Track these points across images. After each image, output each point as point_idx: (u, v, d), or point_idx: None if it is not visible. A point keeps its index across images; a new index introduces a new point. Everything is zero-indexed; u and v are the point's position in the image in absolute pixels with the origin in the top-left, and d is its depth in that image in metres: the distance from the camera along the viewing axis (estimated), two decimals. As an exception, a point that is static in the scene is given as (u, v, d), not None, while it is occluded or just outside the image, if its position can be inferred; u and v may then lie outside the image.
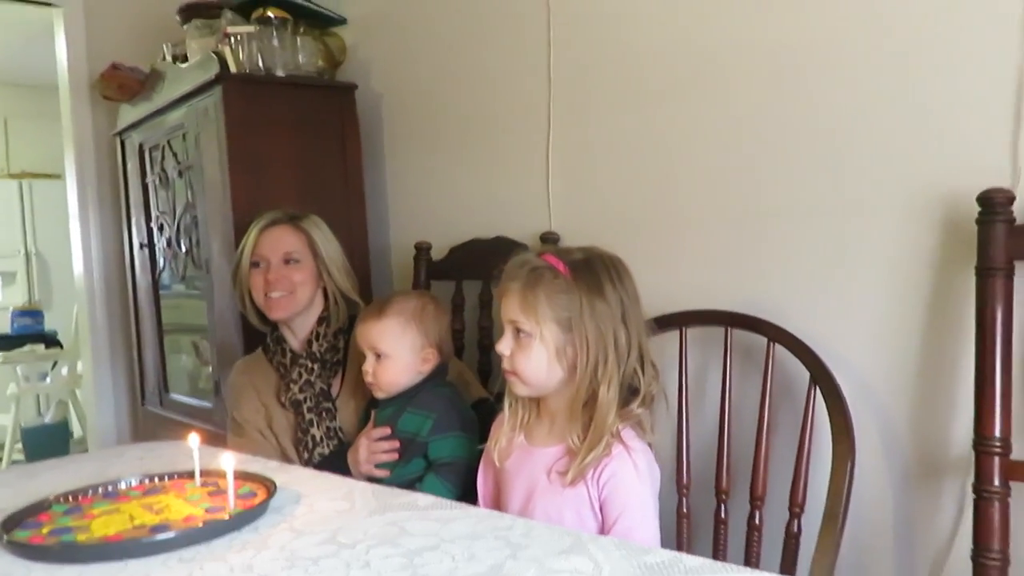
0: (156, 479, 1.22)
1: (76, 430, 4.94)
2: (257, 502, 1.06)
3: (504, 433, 1.32)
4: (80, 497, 1.15)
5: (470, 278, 2.06)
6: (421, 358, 1.56)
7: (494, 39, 2.07)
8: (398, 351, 1.54)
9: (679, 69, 1.66)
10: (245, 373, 1.85)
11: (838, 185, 1.44)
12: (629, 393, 1.23)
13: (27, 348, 4.81)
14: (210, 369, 2.30)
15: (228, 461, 1.09)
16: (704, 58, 1.62)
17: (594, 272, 1.22)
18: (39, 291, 5.58)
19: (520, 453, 1.30)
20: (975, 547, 1.18)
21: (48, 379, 4.94)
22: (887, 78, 1.37)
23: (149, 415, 2.80)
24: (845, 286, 1.45)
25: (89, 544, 0.95)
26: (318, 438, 1.72)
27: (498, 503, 1.34)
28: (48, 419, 4.97)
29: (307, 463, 1.68)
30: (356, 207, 2.31)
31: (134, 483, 1.21)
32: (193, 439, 1.22)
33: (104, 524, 1.02)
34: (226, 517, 1.01)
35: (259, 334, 1.90)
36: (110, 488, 1.19)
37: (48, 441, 4.75)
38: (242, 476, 1.13)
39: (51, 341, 5.01)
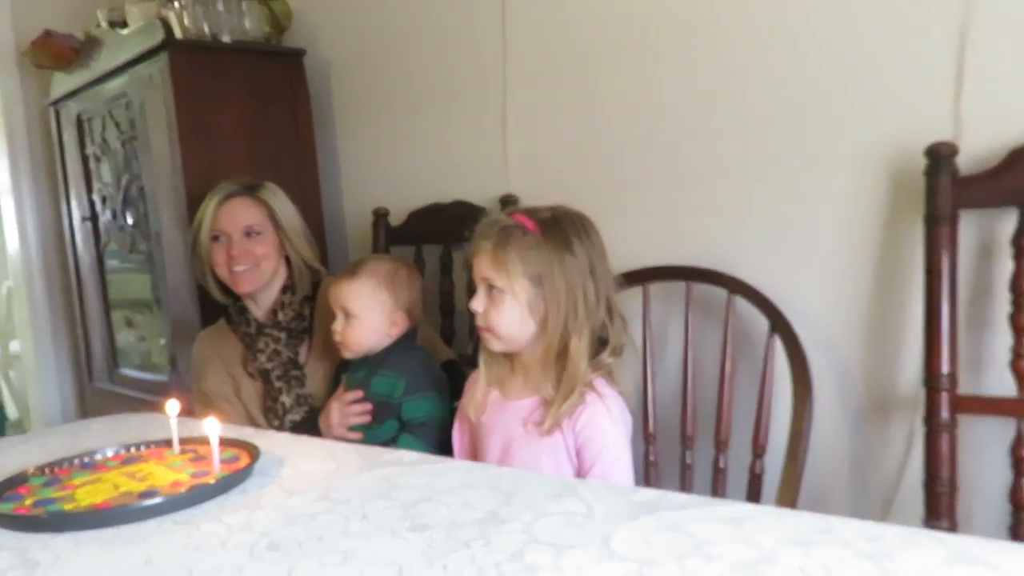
0: (133, 448, 1.21)
1: (11, 412, 4.77)
2: (242, 465, 1.06)
3: (479, 388, 1.34)
4: (57, 469, 1.14)
5: (430, 242, 2.05)
6: (390, 321, 1.55)
7: (444, 1, 2.04)
8: (367, 312, 1.53)
9: (633, 29, 1.67)
10: (209, 344, 1.82)
11: (791, 141, 1.47)
12: (599, 344, 1.26)
13: (-45, 330, 4.62)
14: (163, 342, 2.26)
15: (212, 426, 1.09)
16: (657, 19, 1.62)
17: (562, 228, 1.24)
18: (-38, 271, 5.32)
19: (495, 407, 1.31)
20: (927, 476, 1.25)
21: (-21, 361, 4.76)
22: (834, 36, 1.40)
23: (98, 392, 2.74)
24: (800, 238, 1.48)
25: (80, 512, 0.95)
26: (288, 405, 1.71)
27: (475, 458, 1.35)
28: (-20, 403, 4.79)
29: (278, 430, 1.65)
30: (309, 175, 2.27)
31: (110, 453, 1.19)
32: (172, 406, 1.20)
33: (89, 493, 1.02)
34: (212, 481, 1.01)
35: (217, 305, 1.87)
36: (86, 459, 1.17)
37: (-18, 425, 4.59)
38: (222, 442, 1.12)
39: (-20, 322, 4.82)
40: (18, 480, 1.08)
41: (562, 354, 1.23)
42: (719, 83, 1.55)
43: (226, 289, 1.79)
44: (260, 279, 1.73)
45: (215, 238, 1.73)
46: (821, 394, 1.40)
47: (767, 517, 0.79)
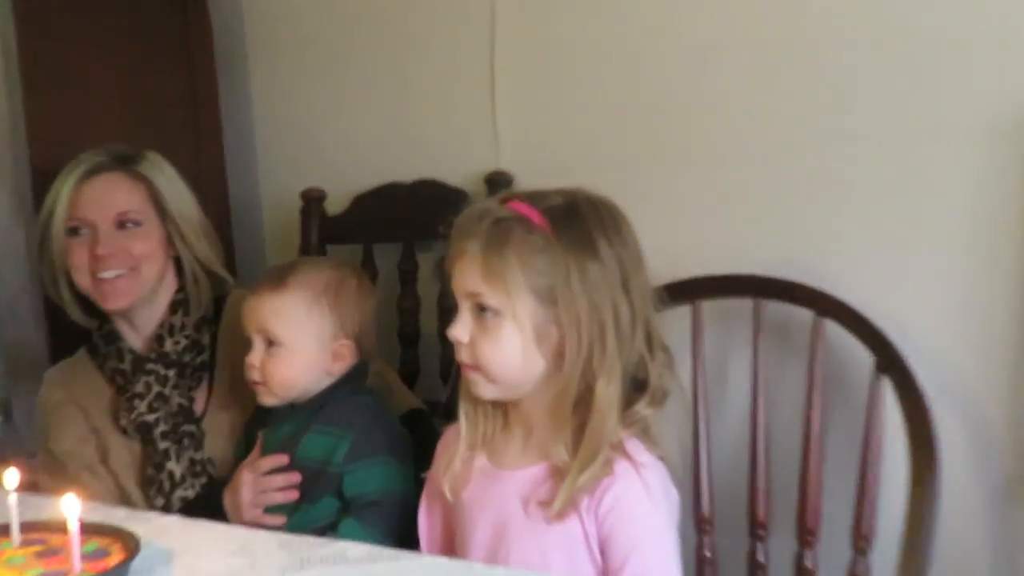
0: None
1: None
2: (114, 562, 0.96)
3: (458, 454, 1.16)
4: None
5: (384, 240, 1.79)
6: (331, 353, 1.34)
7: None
8: (300, 339, 1.33)
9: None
10: (63, 386, 1.57)
11: (905, 106, 1.29)
12: (633, 388, 1.09)
13: None
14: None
15: (70, 505, 0.95)
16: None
17: (582, 222, 1.08)
18: None
19: (483, 480, 1.15)
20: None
21: None
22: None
23: None
24: (917, 239, 1.30)
25: None
26: (178, 476, 1.46)
27: (451, 551, 1.20)
28: None
29: (164, 511, 1.41)
30: (209, 143, 1.96)
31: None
32: (9, 477, 1.05)
33: None
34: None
35: (75, 329, 1.60)
36: None
37: None
38: (85, 528, 0.98)
39: None
40: None
41: (582, 403, 1.06)
42: (809, 24, 1.36)
43: (89, 306, 1.54)
44: (138, 290, 1.48)
45: (73, 230, 1.49)
46: (951, 461, 1.19)
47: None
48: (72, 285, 1.51)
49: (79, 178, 1.49)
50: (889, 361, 1.20)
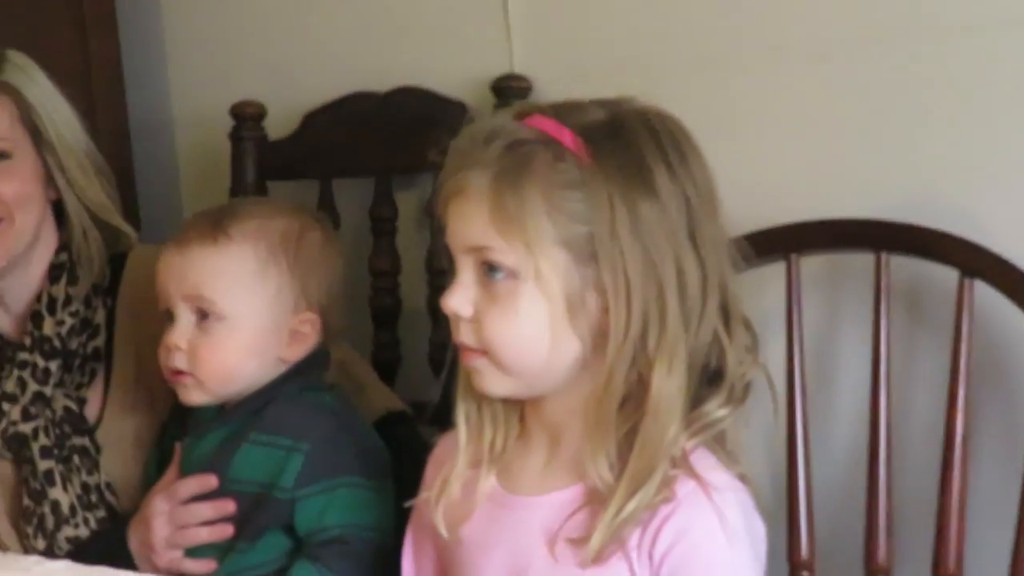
0: None
1: None
2: None
3: (456, 474, 0.98)
4: None
5: (349, 174, 1.51)
6: (287, 331, 1.12)
7: None
8: (249, 311, 1.11)
9: None
10: None
11: None
12: (702, 381, 0.90)
13: None
14: None
15: None
16: None
17: (633, 145, 0.89)
18: None
19: (491, 510, 0.97)
20: None
21: None
22: None
23: None
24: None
25: None
26: (65, 507, 1.24)
27: None
28: None
29: (44, 554, 1.20)
30: (99, 37, 1.63)
31: None
32: None
33: None
34: None
35: None
36: None
37: None
38: None
39: None
40: None
41: (632, 401, 0.88)
42: None
43: None
44: (11, 247, 1.25)
45: None
46: None
47: None
48: None
49: None
50: None
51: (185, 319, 1.09)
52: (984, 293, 1.02)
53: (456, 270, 0.88)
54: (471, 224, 0.87)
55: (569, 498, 0.89)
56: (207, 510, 1.08)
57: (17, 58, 1.28)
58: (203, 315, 1.09)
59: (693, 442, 0.86)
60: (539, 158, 0.85)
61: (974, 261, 1.01)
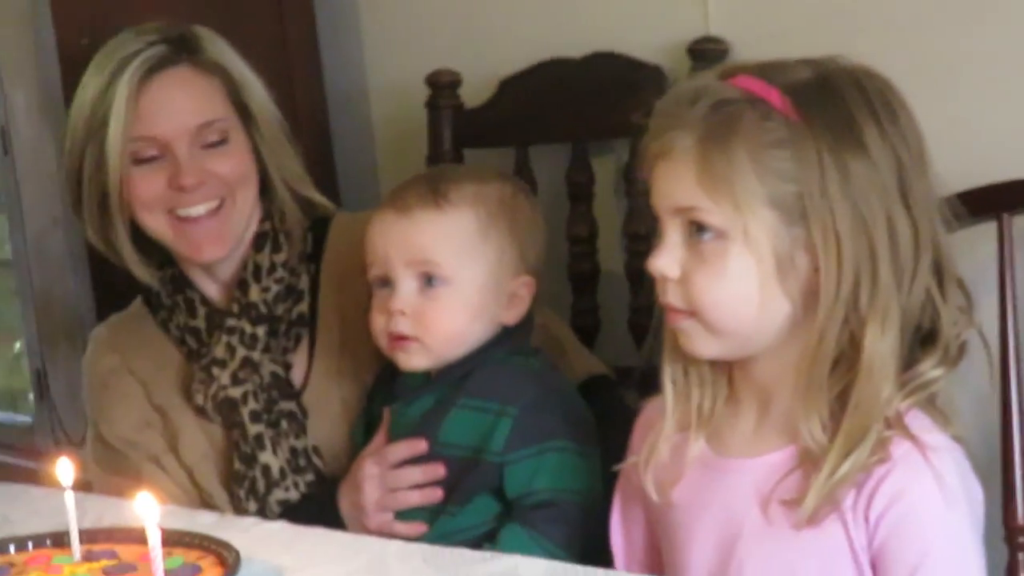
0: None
1: None
2: None
3: (664, 438, 1.00)
4: None
5: (545, 140, 1.51)
6: (506, 294, 1.14)
7: None
8: (472, 273, 1.13)
9: None
10: (116, 350, 1.35)
11: None
12: (916, 341, 0.91)
13: None
14: (17, 346, 1.98)
15: (147, 509, 0.83)
16: None
17: (842, 103, 0.89)
18: None
19: (702, 473, 0.99)
20: None
21: None
22: None
23: None
24: None
25: None
26: (275, 471, 1.25)
27: (657, 569, 1.06)
28: None
29: (257, 515, 1.22)
30: (298, 16, 1.68)
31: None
32: (63, 469, 0.94)
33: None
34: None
35: (127, 276, 1.36)
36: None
37: None
38: (168, 539, 0.88)
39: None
40: None
41: (844, 362, 0.89)
42: None
43: (151, 255, 1.32)
44: (236, 228, 1.27)
45: (139, 158, 1.25)
46: None
47: None
48: (134, 228, 1.28)
49: (137, 80, 1.22)
50: None
51: (407, 284, 1.10)
52: None
53: (662, 232, 0.90)
54: (678, 185, 0.88)
55: (781, 460, 0.91)
56: (417, 474, 1.11)
57: (209, 34, 1.30)
58: (428, 279, 1.10)
59: (908, 403, 0.86)
60: (746, 117, 0.86)
61: None
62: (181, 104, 1.25)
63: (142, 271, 1.31)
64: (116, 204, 1.26)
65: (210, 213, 1.25)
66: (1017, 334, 1.10)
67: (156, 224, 1.25)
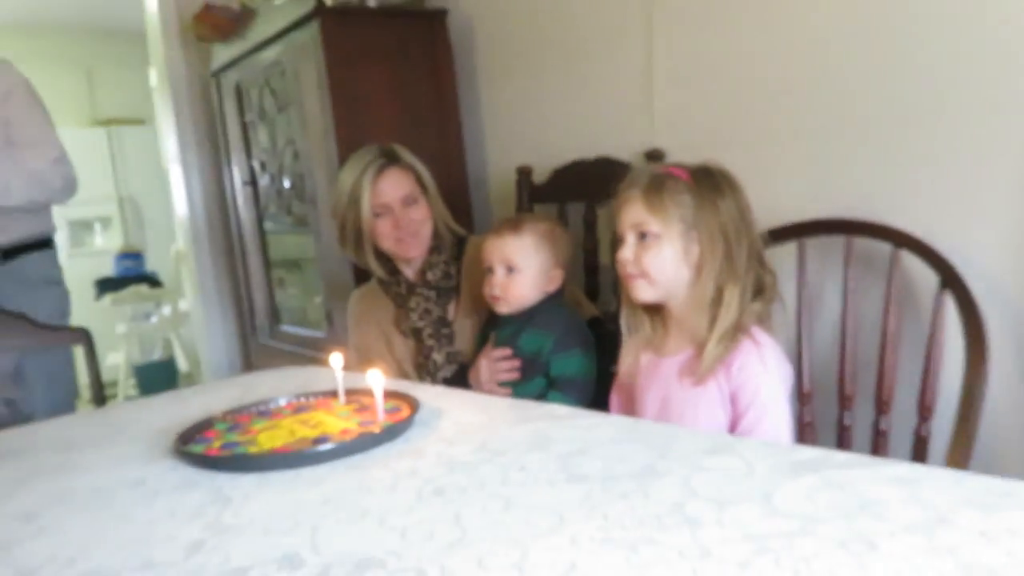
0: (303, 398, 1.27)
1: (182, 366, 5.19)
2: (404, 416, 1.09)
3: (630, 351, 1.36)
4: (238, 416, 1.22)
5: (573, 200, 2.02)
6: (547, 277, 1.57)
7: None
8: (530, 267, 1.55)
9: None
10: (362, 303, 1.87)
11: (959, 80, 1.38)
12: (753, 292, 1.26)
13: (132, 289, 5.03)
14: (319, 300, 2.35)
15: (376, 378, 1.12)
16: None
17: (713, 176, 1.26)
18: (134, 234, 5.80)
19: (649, 368, 1.33)
20: (1119, 445, 1.14)
21: (153, 318, 5.17)
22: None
23: (260, 347, 2.91)
24: (973, 185, 1.39)
25: (263, 455, 1.02)
26: (439, 362, 1.74)
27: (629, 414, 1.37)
28: (156, 356, 5.22)
29: (431, 383, 1.69)
30: (452, 134, 2.30)
31: (284, 403, 1.26)
32: (336, 359, 1.25)
33: (269, 438, 1.08)
34: (378, 430, 1.04)
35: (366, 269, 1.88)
36: (263, 408, 1.25)
37: (159, 376, 5.01)
38: (385, 394, 1.15)
39: (153, 282, 5.23)
40: (205, 425, 1.17)
41: (716, 301, 1.24)
42: (880, 24, 1.47)
43: (382, 260, 1.82)
44: (424, 242, 1.76)
45: (379, 214, 1.75)
46: (997, 355, 1.31)
47: (940, 478, 0.75)
48: (375, 248, 1.77)
49: (375, 174, 1.73)
50: (951, 280, 1.33)
51: (500, 271, 1.55)
52: (905, 256, 1.40)
53: (623, 239, 1.28)
54: (635, 213, 1.25)
55: (685, 356, 1.28)
56: (507, 365, 1.57)
57: (400, 148, 1.79)
58: (510, 269, 1.55)
59: (748, 319, 1.23)
60: (668, 181, 1.25)
61: (899, 238, 1.40)
62: (396, 186, 1.74)
63: (376, 267, 1.80)
64: (367, 238, 1.76)
65: (412, 237, 1.74)
66: (809, 300, 1.50)
67: (387, 245, 1.75)
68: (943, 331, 1.35)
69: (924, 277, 1.40)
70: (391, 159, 1.77)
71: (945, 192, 1.42)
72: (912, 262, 1.41)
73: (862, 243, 1.47)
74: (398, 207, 1.75)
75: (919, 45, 1.43)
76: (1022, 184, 1.33)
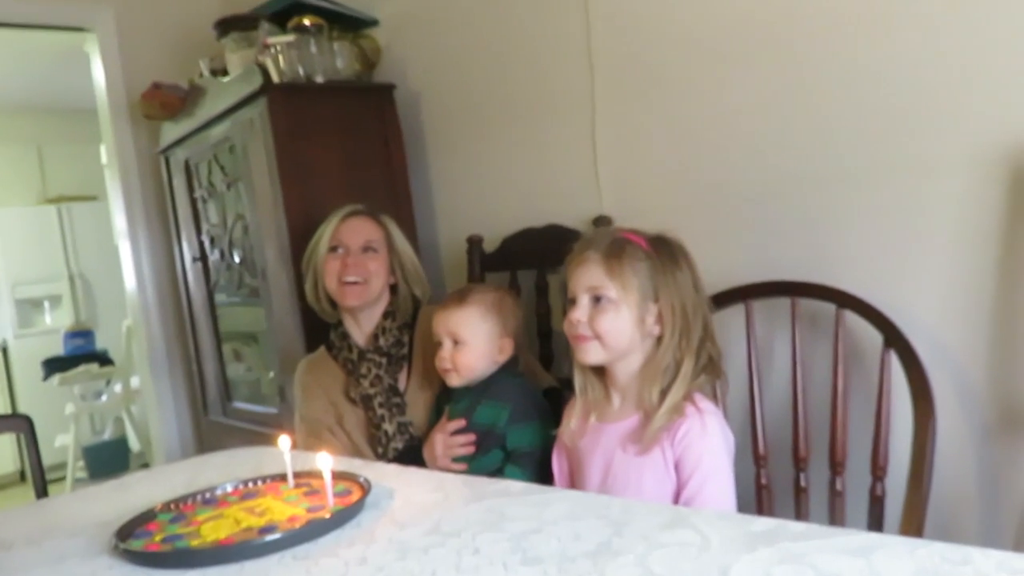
0: (251, 483, 1.24)
1: (134, 445, 5.04)
2: (355, 499, 1.07)
3: (575, 414, 1.36)
4: (182, 505, 1.18)
5: (524, 267, 2.06)
6: (497, 347, 1.57)
7: (530, 27, 2.07)
8: (477, 338, 1.56)
9: (725, 40, 1.65)
10: (310, 372, 1.85)
11: (896, 145, 1.43)
12: (697, 363, 1.28)
13: (82, 368, 4.91)
14: (272, 375, 2.33)
15: (324, 461, 1.10)
16: (749, 26, 1.61)
17: (670, 248, 1.29)
18: (85, 312, 5.68)
19: (593, 433, 1.32)
20: (1067, 498, 1.16)
21: (104, 397, 5.04)
22: (941, 36, 1.37)
23: (212, 425, 2.85)
24: (912, 246, 1.43)
25: (205, 548, 0.98)
26: (390, 433, 1.72)
27: (574, 484, 1.37)
28: (107, 436, 5.07)
29: (381, 459, 1.67)
30: (403, 206, 2.30)
31: (230, 488, 1.23)
32: (284, 442, 1.23)
33: (213, 528, 1.05)
34: (327, 515, 1.02)
35: (320, 337, 1.90)
36: (208, 495, 1.21)
37: (109, 457, 4.86)
38: (334, 475, 1.13)
39: (103, 360, 5.11)
40: (147, 517, 1.13)
41: (669, 373, 1.25)
42: (816, 89, 1.52)
43: (333, 307, 1.83)
44: (368, 295, 1.76)
45: (333, 249, 1.78)
46: (943, 411, 1.34)
47: (896, 547, 0.74)
48: (322, 290, 1.79)
49: (343, 216, 1.79)
50: (894, 338, 1.36)
51: (448, 343, 1.55)
52: (850, 316, 1.42)
53: (575, 302, 1.29)
54: (592, 276, 1.26)
55: (630, 423, 1.27)
56: (462, 439, 1.54)
57: (386, 215, 1.85)
58: (456, 342, 1.55)
59: (695, 390, 1.26)
60: (627, 247, 1.26)
61: (843, 299, 1.43)
62: (359, 230, 1.77)
63: (327, 309, 1.81)
64: (319, 274, 1.77)
65: (356, 284, 1.74)
66: (758, 360, 1.51)
67: (331, 284, 1.76)
68: (890, 389, 1.37)
69: (869, 336, 1.42)
70: (367, 212, 1.84)
71: (884, 252, 1.46)
72: (856, 321, 1.43)
73: (808, 304, 1.49)
74: (355, 250, 1.77)
75: (854, 110, 1.48)
76: (956, 242, 1.38)
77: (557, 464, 1.43)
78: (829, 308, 1.45)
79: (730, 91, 1.65)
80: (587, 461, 1.32)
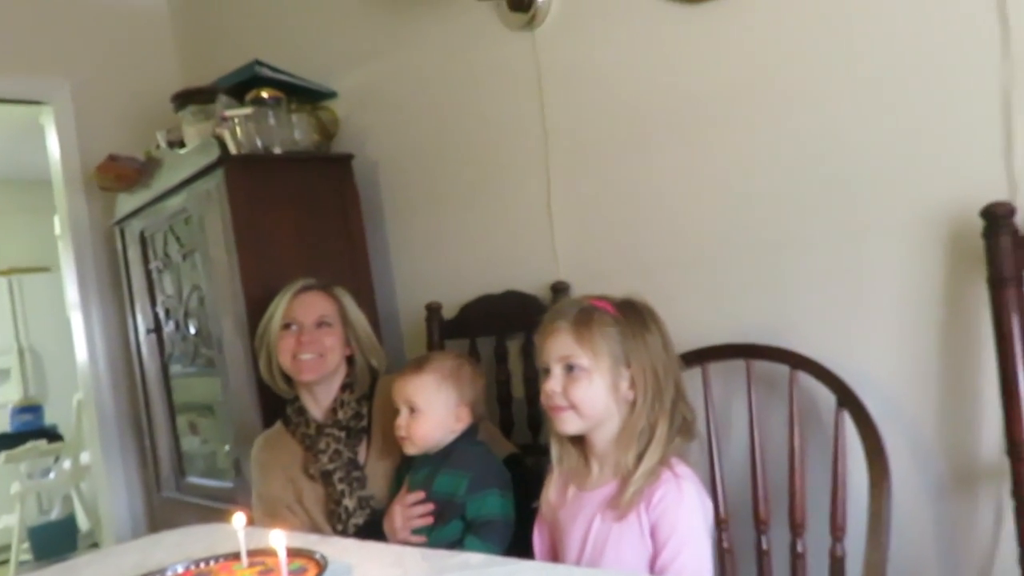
0: (203, 563, 1.21)
1: (83, 524, 4.85)
2: None
3: (553, 485, 1.37)
4: (131, 589, 1.13)
5: (483, 334, 2.07)
6: (454, 416, 1.57)
7: (485, 99, 2.10)
8: (433, 406, 1.56)
9: (673, 113, 1.69)
10: (267, 449, 1.84)
11: (843, 210, 1.48)
12: (676, 428, 1.29)
13: (29, 445, 4.75)
14: (227, 448, 2.28)
15: (278, 539, 1.08)
16: (699, 100, 1.65)
17: (637, 310, 1.30)
18: (34, 386, 5.52)
19: (573, 502, 1.33)
20: (1022, 552, 1.19)
21: (52, 474, 4.87)
22: (880, 103, 1.42)
23: (165, 501, 2.77)
24: (861, 308, 1.46)
25: (154, 634, 0.95)
26: (351, 508, 1.70)
27: (556, 558, 1.37)
28: (54, 515, 4.88)
29: (341, 535, 1.65)
30: (361, 274, 2.31)
31: (181, 570, 1.21)
32: (238, 519, 1.20)
33: (163, 612, 1.01)
34: (283, 595, 0.98)
35: (277, 410, 1.89)
36: (159, 577, 1.16)
37: (56, 538, 4.66)
38: (290, 553, 1.12)
39: (52, 435, 4.95)
40: (93, 602, 1.08)
41: (644, 436, 1.26)
42: (765, 157, 1.56)
43: (289, 383, 1.83)
44: (324, 369, 1.76)
45: (286, 326, 1.78)
46: (898, 469, 1.35)
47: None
48: (279, 367, 1.79)
49: (296, 292, 1.80)
50: (847, 398, 1.38)
51: (404, 412, 1.56)
52: (803, 377, 1.45)
53: (548, 372, 1.29)
54: (563, 346, 1.27)
55: (608, 490, 1.28)
56: (421, 509, 1.52)
57: (342, 287, 1.87)
58: (412, 410, 1.54)
59: (670, 453, 1.25)
60: (596, 315, 1.27)
61: (797, 361, 1.45)
62: (312, 306, 1.79)
63: (282, 387, 1.81)
64: (273, 351, 1.78)
65: (311, 359, 1.74)
66: (716, 422, 1.52)
67: (284, 360, 1.76)
68: (845, 450, 1.38)
69: (823, 397, 1.44)
70: (319, 286, 1.84)
71: (834, 313, 1.49)
72: (810, 383, 1.45)
73: (762, 366, 1.51)
74: (309, 326, 1.77)
75: (798, 177, 1.53)
76: (902, 302, 1.41)
77: (538, 538, 1.42)
78: (784, 370, 1.46)
79: (683, 160, 1.69)
80: (568, 531, 1.32)
